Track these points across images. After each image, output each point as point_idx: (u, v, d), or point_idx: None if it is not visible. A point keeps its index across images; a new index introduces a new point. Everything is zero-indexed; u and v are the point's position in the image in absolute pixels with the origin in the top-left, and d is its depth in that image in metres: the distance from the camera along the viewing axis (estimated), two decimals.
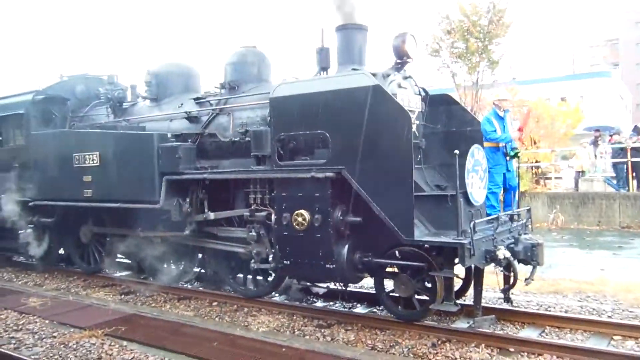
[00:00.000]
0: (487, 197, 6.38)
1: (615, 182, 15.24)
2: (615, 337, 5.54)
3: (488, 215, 6.31)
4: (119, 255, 9.59)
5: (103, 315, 6.96)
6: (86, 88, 10.15)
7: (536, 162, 17.18)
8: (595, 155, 15.71)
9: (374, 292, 6.59)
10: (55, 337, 6.15)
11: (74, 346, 5.78)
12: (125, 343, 5.85)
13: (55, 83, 10.03)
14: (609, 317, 6.19)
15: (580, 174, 16.13)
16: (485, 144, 6.58)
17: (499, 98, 7.11)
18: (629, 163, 14.59)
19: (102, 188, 8.11)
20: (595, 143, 16.46)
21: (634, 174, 14.83)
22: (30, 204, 9.32)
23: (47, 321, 6.79)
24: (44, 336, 6.18)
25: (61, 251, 10.42)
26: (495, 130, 6.58)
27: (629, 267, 9.05)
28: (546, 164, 17.07)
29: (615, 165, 15.54)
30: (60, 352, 5.61)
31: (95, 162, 8.15)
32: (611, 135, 16.92)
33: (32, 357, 5.48)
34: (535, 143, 17.21)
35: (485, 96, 18.09)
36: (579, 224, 13.91)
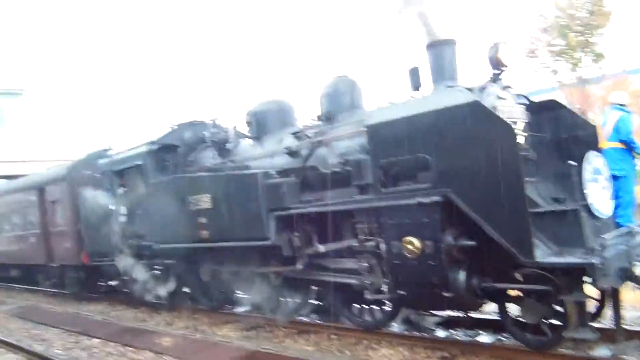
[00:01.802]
0: (620, 206, 5.80)
1: None
2: None
3: (618, 227, 5.72)
4: (237, 292, 9.97)
5: (228, 352, 7.17)
6: (193, 134, 10.71)
7: None
8: None
9: (499, 317, 6.21)
10: None
11: None
12: None
13: (166, 133, 10.71)
14: None
15: None
16: (619, 144, 6.06)
17: (623, 102, 6.57)
18: None
19: (216, 228, 8.46)
20: None
21: None
22: (155, 247, 9.98)
23: None
24: None
25: (185, 289, 11.04)
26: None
27: None
28: None
29: None
30: None
31: (208, 204, 8.54)
32: None
33: None
34: None
35: (595, 92, 16.77)
36: None
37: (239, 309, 10.01)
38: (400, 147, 5.96)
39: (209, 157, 9.84)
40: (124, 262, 11.14)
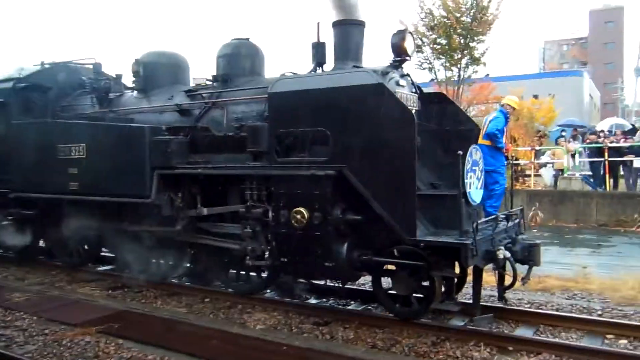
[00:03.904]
0: (493, 197, 6.49)
1: (592, 180, 15.64)
2: (608, 336, 5.68)
3: (487, 215, 6.39)
4: (103, 250, 9.43)
5: (93, 311, 6.81)
6: (69, 77, 9.84)
7: (515, 159, 17.52)
8: (574, 154, 16.09)
9: (370, 289, 6.61)
10: (46, 334, 5.98)
11: (68, 344, 5.63)
12: (120, 341, 5.73)
13: (36, 70, 9.71)
14: (600, 315, 6.36)
15: (560, 172, 16.51)
16: (486, 142, 6.73)
17: (513, 104, 7.26)
18: (606, 162, 14.97)
19: (89, 181, 7.89)
20: (573, 139, 16.88)
21: (611, 173, 15.22)
22: (11, 195, 9.04)
23: (35, 317, 6.60)
24: (34, 333, 6.01)
25: (41, 244, 10.17)
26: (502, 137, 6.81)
27: (610, 265, 9.32)
28: (525, 161, 17.41)
29: (591, 164, 15.93)
30: (54, 350, 5.46)
31: (81, 154, 7.92)
32: (590, 134, 17.33)
33: (26, 355, 5.32)
34: (515, 141, 17.55)
35: (464, 93, 18.32)
36: (558, 221, 14.25)
37: (103, 268, 9.49)
38: (301, 119, 6.03)
39: (87, 105, 9.10)
40: None
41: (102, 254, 9.66)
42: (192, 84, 8.73)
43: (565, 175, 15.90)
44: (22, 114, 9.12)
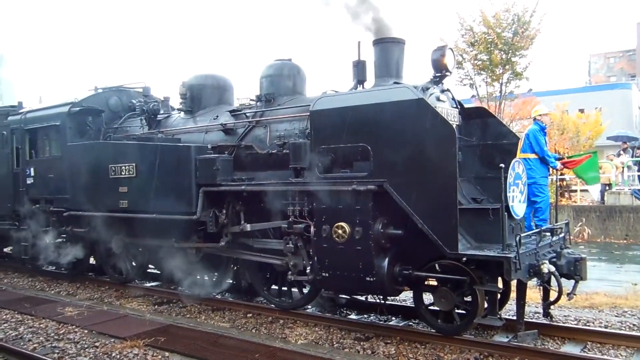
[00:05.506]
0: (538, 210, 6.41)
1: None
2: None
3: (528, 228, 6.31)
4: (149, 266, 9.72)
5: (140, 325, 7.02)
6: (119, 100, 10.34)
7: (561, 174, 17.09)
8: (623, 168, 15.60)
9: (410, 305, 6.59)
10: (97, 347, 6.22)
11: (118, 356, 5.84)
12: (167, 354, 5.90)
13: (90, 95, 10.21)
14: None
15: (607, 187, 16.02)
16: (531, 155, 6.66)
17: (540, 113, 7.17)
18: None
19: (138, 199, 8.20)
20: (623, 152, 16.38)
21: None
22: (65, 214, 9.47)
23: (86, 331, 6.86)
24: (86, 346, 6.26)
25: (91, 261, 10.59)
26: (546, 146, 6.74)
27: None
28: (571, 176, 16.96)
29: None
30: None
31: (131, 173, 8.26)
32: (638, 148, 16.79)
33: None
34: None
35: (506, 108, 18.08)
36: (606, 237, 13.80)
37: (150, 284, 9.78)
38: (342, 135, 6.14)
39: (137, 127, 9.48)
40: (27, 227, 10.49)
41: (149, 270, 9.94)
42: (236, 104, 8.99)
43: (613, 189, 15.40)
44: (77, 137, 9.61)
